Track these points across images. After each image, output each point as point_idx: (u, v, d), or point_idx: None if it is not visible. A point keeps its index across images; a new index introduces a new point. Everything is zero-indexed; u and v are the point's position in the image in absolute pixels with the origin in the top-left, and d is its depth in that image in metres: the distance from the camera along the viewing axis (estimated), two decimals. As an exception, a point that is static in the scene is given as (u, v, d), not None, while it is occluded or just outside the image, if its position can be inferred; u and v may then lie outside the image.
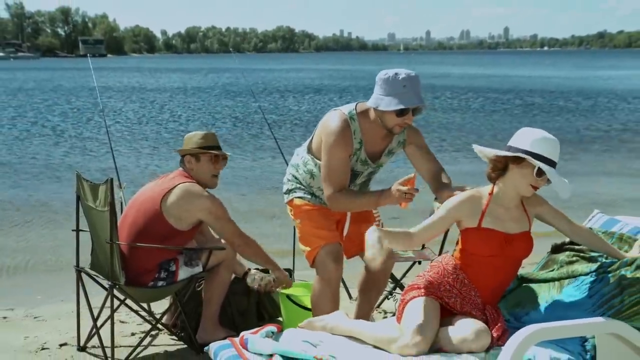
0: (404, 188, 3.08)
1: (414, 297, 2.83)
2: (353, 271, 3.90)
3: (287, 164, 5.26)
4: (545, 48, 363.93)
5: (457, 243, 2.96)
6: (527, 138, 2.78)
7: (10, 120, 19.85)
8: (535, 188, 2.81)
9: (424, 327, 2.69)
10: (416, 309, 2.77)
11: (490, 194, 2.86)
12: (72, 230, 3.93)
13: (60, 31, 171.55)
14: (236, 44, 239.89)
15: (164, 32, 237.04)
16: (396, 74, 3.22)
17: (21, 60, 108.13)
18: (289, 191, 3.63)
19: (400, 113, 3.24)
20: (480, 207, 2.85)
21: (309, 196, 3.55)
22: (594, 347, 2.74)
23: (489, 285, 2.89)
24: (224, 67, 66.04)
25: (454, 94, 29.43)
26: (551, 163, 2.75)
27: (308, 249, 3.49)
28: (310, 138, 3.56)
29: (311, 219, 3.51)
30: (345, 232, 3.63)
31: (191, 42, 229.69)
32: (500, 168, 2.82)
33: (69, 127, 17.98)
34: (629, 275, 2.78)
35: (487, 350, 2.68)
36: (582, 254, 3.09)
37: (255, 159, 12.94)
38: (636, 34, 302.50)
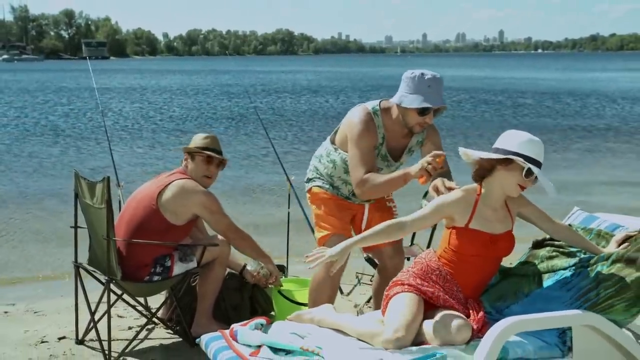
0: (429, 158, 3.14)
1: (398, 292, 2.91)
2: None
3: (281, 163, 5.42)
4: (540, 50, 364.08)
5: (442, 240, 3.06)
6: (514, 140, 2.86)
7: (11, 120, 20.04)
8: (523, 188, 2.89)
9: (406, 324, 2.77)
10: (399, 305, 2.86)
11: (479, 194, 2.95)
12: (71, 227, 4.03)
13: (64, 34, 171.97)
14: (236, 46, 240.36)
15: (165, 35, 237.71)
16: (422, 74, 3.35)
17: (25, 62, 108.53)
18: (309, 180, 3.78)
19: (422, 112, 3.36)
20: (470, 207, 2.94)
21: (327, 186, 3.68)
22: (571, 338, 2.84)
23: (471, 281, 2.99)
24: (224, 69, 66.20)
25: (446, 95, 29.60)
26: (537, 163, 2.85)
27: (321, 234, 3.62)
28: (335, 130, 3.68)
29: (326, 206, 3.66)
30: (363, 227, 3.71)
31: (192, 45, 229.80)
32: (487, 170, 2.91)
33: (69, 127, 18.20)
34: (605, 270, 2.88)
35: (467, 342, 2.78)
36: (561, 250, 3.19)
37: (246, 157, 13.13)
38: (628, 37, 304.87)
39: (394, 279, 3.03)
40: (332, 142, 3.66)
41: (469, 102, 26.74)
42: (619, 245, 2.98)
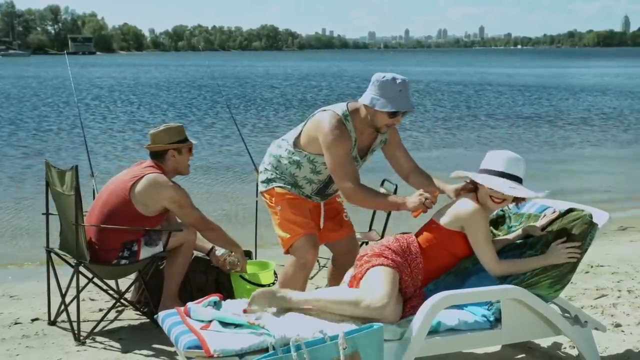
0: (427, 195, 3.27)
1: (383, 264, 3.08)
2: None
3: (249, 151, 5.56)
4: (519, 46, 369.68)
5: (431, 233, 3.25)
6: (493, 159, 3.16)
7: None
8: (501, 201, 3.14)
9: (392, 295, 2.98)
10: (385, 277, 3.04)
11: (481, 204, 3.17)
12: (42, 214, 4.23)
13: (50, 29, 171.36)
14: (222, 42, 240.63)
15: (151, 31, 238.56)
16: (394, 78, 3.43)
17: (11, 58, 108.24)
18: (268, 180, 3.77)
19: (392, 115, 3.46)
20: None
21: (289, 186, 3.72)
22: (499, 310, 3.10)
23: (434, 273, 3.26)
24: (205, 63, 66.33)
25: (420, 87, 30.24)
26: (511, 177, 3.10)
27: (287, 235, 3.66)
28: (297, 134, 3.68)
29: (293, 207, 3.69)
30: (322, 224, 3.85)
31: (178, 40, 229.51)
32: (470, 189, 3.22)
33: (46, 120, 18.40)
34: (533, 252, 3.20)
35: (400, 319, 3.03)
36: (497, 234, 3.50)
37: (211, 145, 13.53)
38: (604, 33, 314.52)
39: (371, 251, 3.17)
40: (296, 145, 3.66)
41: (435, 95, 27.77)
42: (544, 229, 3.28)
